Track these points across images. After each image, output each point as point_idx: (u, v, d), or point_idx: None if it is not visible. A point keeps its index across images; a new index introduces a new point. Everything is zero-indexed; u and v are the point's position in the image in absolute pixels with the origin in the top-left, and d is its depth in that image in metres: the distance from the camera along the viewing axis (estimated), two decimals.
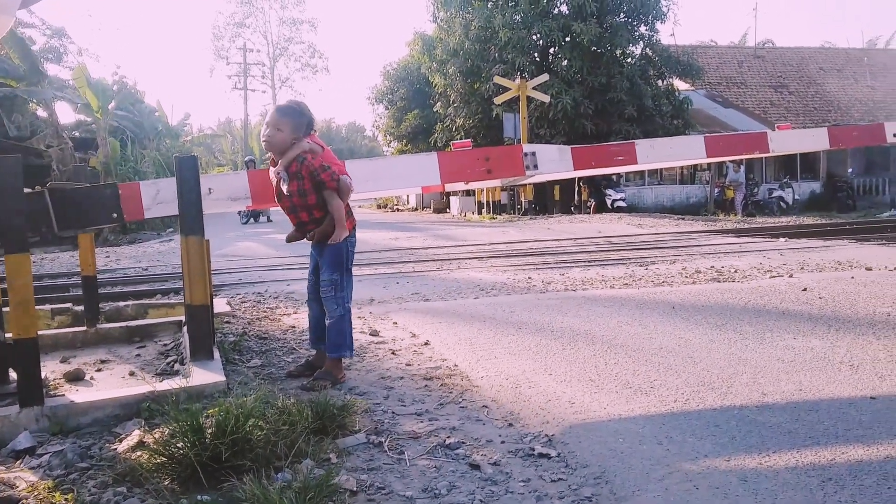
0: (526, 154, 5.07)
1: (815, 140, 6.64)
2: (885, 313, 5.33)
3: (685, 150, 5.93)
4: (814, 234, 13.63)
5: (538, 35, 25.11)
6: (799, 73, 31.90)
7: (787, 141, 6.09)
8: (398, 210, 35.39)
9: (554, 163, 5.24)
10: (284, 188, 3.93)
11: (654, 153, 5.60)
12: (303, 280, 8.27)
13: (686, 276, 7.63)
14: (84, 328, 5.20)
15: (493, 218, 22.66)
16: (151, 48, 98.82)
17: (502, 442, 3.02)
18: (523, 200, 24.21)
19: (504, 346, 4.67)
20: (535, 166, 5.11)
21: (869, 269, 7.71)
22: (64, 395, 3.64)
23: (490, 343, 4.77)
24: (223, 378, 3.62)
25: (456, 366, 4.24)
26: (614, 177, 23.52)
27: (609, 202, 23.03)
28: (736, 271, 7.89)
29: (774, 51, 34.42)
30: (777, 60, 32.82)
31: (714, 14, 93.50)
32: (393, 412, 3.43)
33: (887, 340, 4.53)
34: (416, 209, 33.93)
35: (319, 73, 70.08)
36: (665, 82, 26.66)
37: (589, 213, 22.43)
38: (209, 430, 2.68)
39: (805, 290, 6.42)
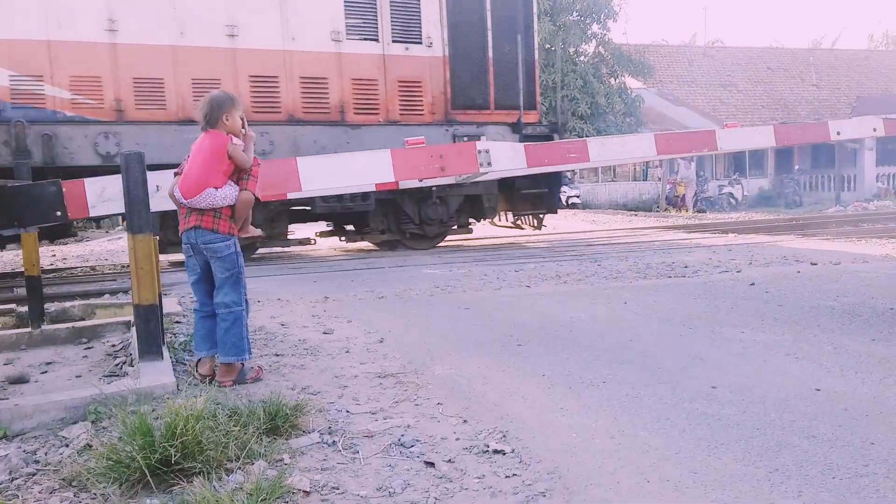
0: (479, 151, 5.11)
1: (761, 138, 6.82)
2: (829, 307, 5.48)
3: (636, 148, 6.04)
4: (762, 229, 13.95)
5: None
6: (747, 72, 32.62)
7: (734, 139, 6.24)
8: None
9: (507, 160, 5.29)
10: None
11: (606, 151, 5.69)
12: (257, 278, 8.19)
13: (637, 272, 7.74)
14: (29, 329, 5.06)
15: None
16: None
17: (457, 439, 3.03)
18: None
19: (459, 343, 4.67)
20: (489, 163, 5.15)
21: (814, 263, 7.91)
22: (8, 398, 3.54)
23: (445, 340, 4.78)
24: (173, 379, 3.56)
25: (411, 363, 4.23)
26: (569, 174, 23.74)
27: (563, 199, 23.24)
28: (686, 266, 8.03)
29: (723, 50, 35.14)
30: (726, 59, 33.51)
31: (665, 15, 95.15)
32: (347, 411, 3.41)
33: (831, 333, 4.65)
34: None
35: None
36: (617, 80, 27.02)
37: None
38: (158, 433, 2.63)
39: (753, 284, 6.57)
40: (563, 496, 2.47)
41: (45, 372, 4.31)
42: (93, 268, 11.05)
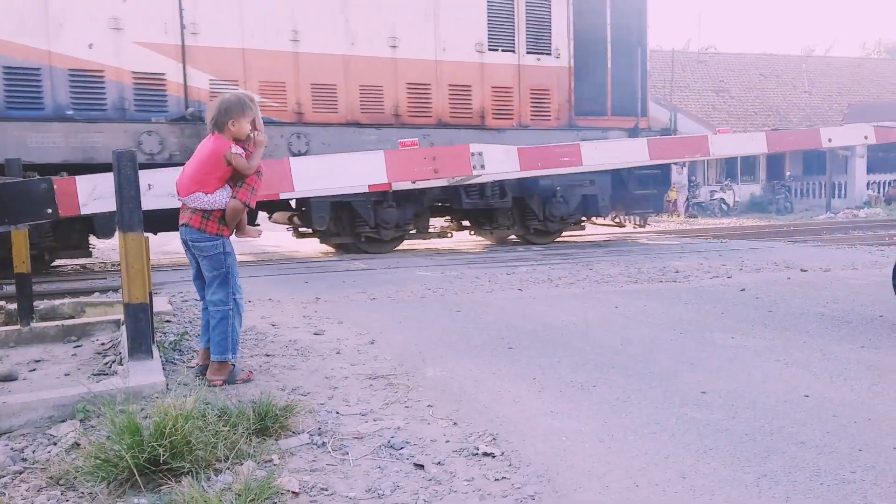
0: (473, 154, 5.11)
1: (754, 144, 6.85)
2: (818, 313, 5.50)
3: (628, 153, 6.05)
4: (753, 235, 14.00)
5: None
6: (740, 78, 32.75)
7: (726, 144, 6.28)
8: None
9: (500, 163, 5.30)
10: None
11: (599, 155, 5.71)
12: (248, 278, 8.16)
13: (629, 276, 7.76)
14: (17, 327, 5.03)
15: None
16: None
17: (447, 441, 3.03)
18: None
19: (450, 345, 4.67)
20: (482, 166, 5.16)
21: (804, 270, 7.95)
22: None
23: (436, 342, 4.78)
24: (162, 378, 3.54)
25: (402, 364, 4.23)
26: None
27: None
28: (677, 271, 8.05)
29: (717, 56, 35.28)
30: (720, 66, 33.64)
31: (659, 21, 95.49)
32: (337, 412, 3.40)
33: (820, 340, 4.67)
34: None
35: None
36: None
37: None
38: (147, 432, 2.62)
39: (743, 290, 6.59)
40: (552, 499, 2.48)
41: (34, 370, 4.29)
42: (83, 265, 11.00)
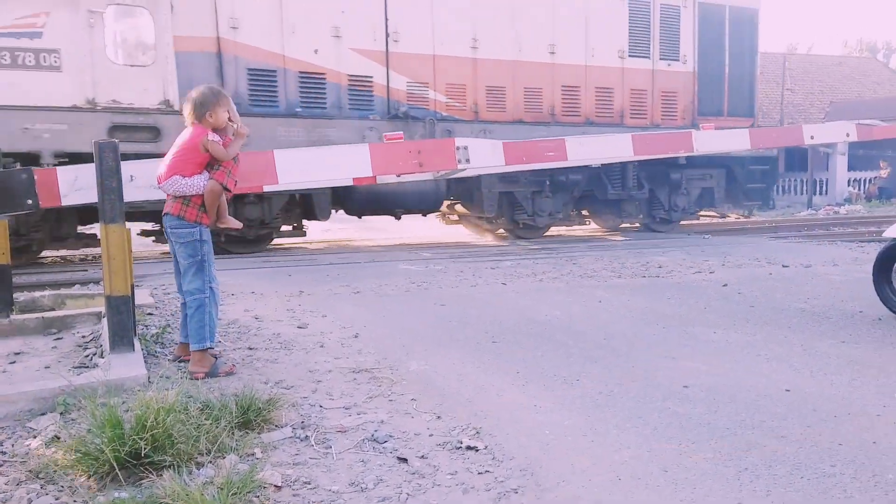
0: (458, 148, 5.11)
1: (737, 140, 6.89)
2: (799, 309, 5.55)
3: (614, 148, 6.07)
4: (736, 231, 14.10)
5: None
6: None
7: (710, 141, 6.30)
8: None
9: (486, 157, 5.30)
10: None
11: (584, 150, 5.72)
12: (230, 270, 8.12)
13: (612, 271, 7.78)
14: None
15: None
16: None
17: (430, 435, 3.03)
18: None
19: (434, 339, 4.67)
20: (468, 160, 5.15)
21: (785, 266, 8.01)
22: None
23: (420, 335, 4.77)
24: (144, 371, 3.52)
25: (385, 358, 4.22)
26: None
27: None
28: (660, 267, 8.09)
29: None
30: None
31: None
32: (320, 406, 3.39)
33: (801, 335, 4.72)
34: None
35: None
36: None
37: None
38: (128, 425, 2.60)
39: (725, 285, 6.63)
40: (535, 493, 2.48)
41: (14, 362, 4.24)
42: (64, 257, 10.89)
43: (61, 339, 4.80)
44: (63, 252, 10.87)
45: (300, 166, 4.91)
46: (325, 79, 10.02)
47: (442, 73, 10.70)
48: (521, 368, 3.98)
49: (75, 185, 4.10)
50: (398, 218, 11.63)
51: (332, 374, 3.93)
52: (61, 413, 3.13)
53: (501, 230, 12.67)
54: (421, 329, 4.97)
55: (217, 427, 2.81)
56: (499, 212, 11.83)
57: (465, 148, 5.20)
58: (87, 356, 4.25)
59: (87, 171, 4.05)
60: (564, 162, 6.07)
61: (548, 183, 11.63)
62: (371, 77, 10.25)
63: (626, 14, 12.16)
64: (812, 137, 7.10)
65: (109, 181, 3.81)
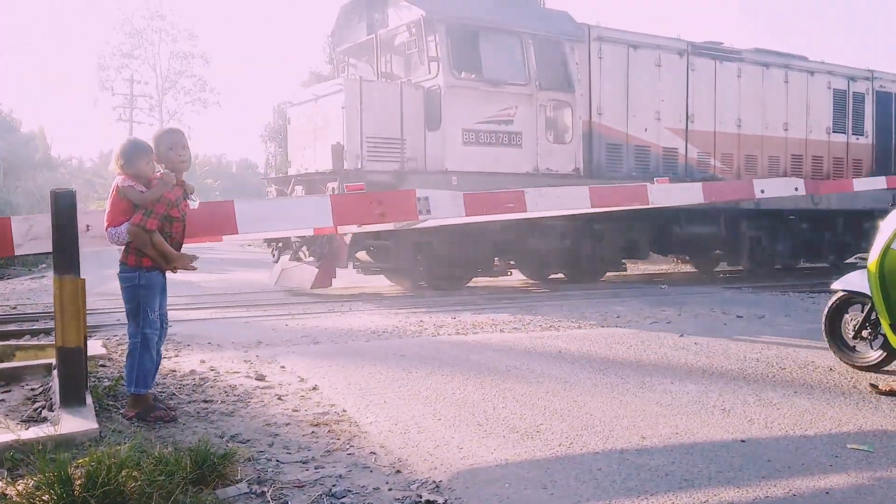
0: (419, 199, 5.14)
1: (690, 194, 7.08)
2: (754, 359, 5.65)
3: (572, 200, 6.17)
4: (692, 280, 14.34)
5: None
6: None
7: (665, 194, 6.45)
8: None
9: (447, 208, 5.34)
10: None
11: (543, 202, 5.81)
12: (187, 321, 7.99)
13: (572, 321, 7.85)
14: None
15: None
16: (33, 76, 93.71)
17: (389, 489, 2.99)
18: None
19: (394, 391, 4.64)
20: (428, 211, 5.19)
21: (740, 316, 8.16)
22: None
23: (380, 388, 4.74)
24: (95, 426, 3.43)
25: (345, 411, 4.18)
26: None
27: None
28: (618, 316, 8.18)
29: None
30: None
31: None
32: (277, 460, 3.34)
33: (756, 385, 4.79)
34: None
35: (210, 107, 67.46)
36: None
37: None
38: (78, 482, 2.53)
39: (682, 335, 6.73)
40: None
41: None
42: (14, 307, 10.61)
43: (10, 391, 4.65)
44: (14, 302, 10.59)
45: (259, 217, 4.89)
46: (650, 150, 12.90)
47: (719, 144, 13.75)
48: (482, 420, 3.97)
49: (29, 235, 4.04)
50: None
51: (290, 426, 3.87)
52: (9, 469, 3.02)
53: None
54: (381, 381, 4.94)
55: (171, 483, 2.74)
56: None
57: (426, 199, 5.23)
58: (37, 409, 4.12)
59: (42, 221, 4.00)
60: (524, 213, 6.14)
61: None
62: (676, 148, 13.24)
63: (831, 100, 15.35)
64: (762, 192, 7.33)
65: (65, 231, 3.76)
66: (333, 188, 9.70)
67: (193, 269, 4.21)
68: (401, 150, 10.56)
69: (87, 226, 4.14)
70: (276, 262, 11.94)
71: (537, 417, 4.02)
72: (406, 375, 5.10)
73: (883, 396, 4.48)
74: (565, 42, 11.66)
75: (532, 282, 13.52)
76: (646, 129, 12.78)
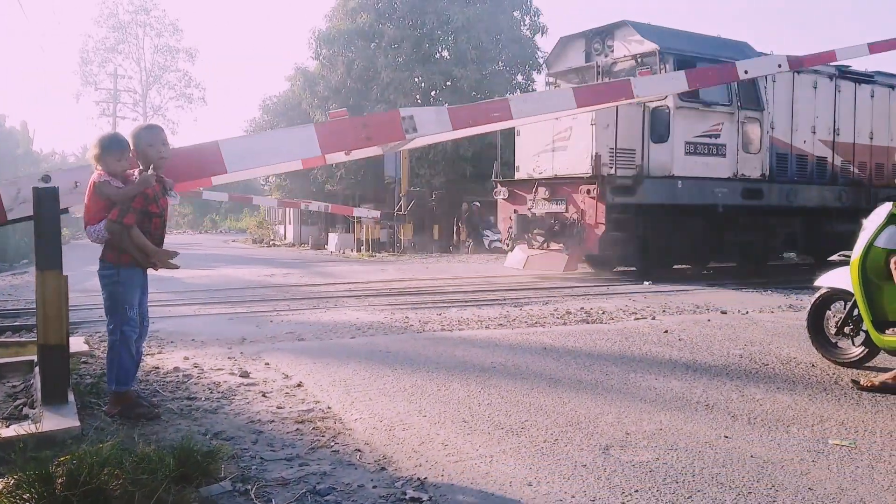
0: (404, 118, 5.07)
1: (674, 83, 7.22)
2: (737, 355, 5.68)
3: (557, 102, 6.20)
4: (676, 278, 14.39)
5: (420, 78, 25.66)
6: None
7: (648, 85, 6.53)
8: (275, 245, 34.50)
9: (432, 124, 5.26)
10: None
11: (528, 107, 5.87)
12: (170, 318, 7.94)
13: (558, 317, 7.87)
14: None
15: (372, 256, 22.57)
16: (16, 70, 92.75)
17: (374, 487, 2.99)
18: (402, 239, 24.33)
19: (379, 388, 4.63)
20: (415, 129, 5.12)
21: (724, 312, 8.21)
22: None
23: (365, 384, 4.73)
24: (77, 423, 3.40)
25: (329, 408, 4.17)
26: (492, 218, 24.06)
27: (486, 243, 23.51)
28: (604, 313, 8.21)
29: None
30: None
31: None
32: (261, 458, 3.32)
33: (739, 381, 4.82)
34: (293, 245, 33.22)
35: (195, 102, 66.99)
36: None
37: (468, 253, 22.81)
38: (60, 481, 2.51)
39: (666, 331, 6.76)
40: None
41: None
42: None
43: None
44: None
45: (247, 154, 4.79)
46: (807, 158, 15.13)
47: (857, 154, 15.96)
48: (467, 417, 3.97)
49: (18, 199, 4.02)
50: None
51: (274, 424, 3.86)
52: None
53: None
54: (366, 378, 4.93)
55: (154, 481, 2.72)
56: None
57: (411, 117, 5.13)
58: (17, 407, 4.08)
59: (27, 183, 3.99)
60: (510, 121, 6.20)
61: None
62: (826, 157, 15.44)
63: None
64: (746, 72, 7.40)
65: (47, 227, 3.73)
66: (589, 190, 12.74)
67: (175, 266, 4.17)
68: (636, 159, 13.21)
69: (76, 182, 4.14)
70: (511, 250, 14.93)
71: (522, 414, 4.02)
72: (391, 372, 5.09)
73: (864, 392, 4.52)
74: None
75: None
76: (804, 141, 15.10)
